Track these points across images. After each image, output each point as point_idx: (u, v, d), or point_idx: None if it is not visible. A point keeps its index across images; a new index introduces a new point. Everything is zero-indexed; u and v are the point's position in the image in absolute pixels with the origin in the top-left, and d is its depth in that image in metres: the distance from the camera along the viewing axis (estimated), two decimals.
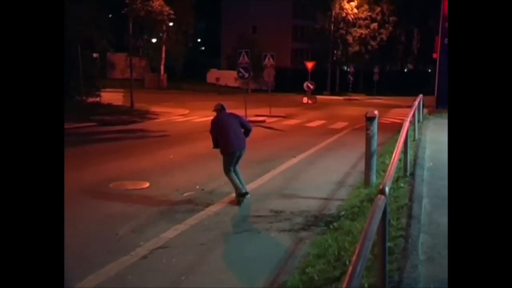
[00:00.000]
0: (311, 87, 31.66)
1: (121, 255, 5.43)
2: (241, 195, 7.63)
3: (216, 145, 7.89)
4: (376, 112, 8.04)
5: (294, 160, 11.32)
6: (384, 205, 3.14)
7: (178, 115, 22.61)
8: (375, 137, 7.92)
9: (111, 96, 25.69)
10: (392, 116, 22.81)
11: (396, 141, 7.74)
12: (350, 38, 47.61)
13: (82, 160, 10.96)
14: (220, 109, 7.98)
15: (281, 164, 10.78)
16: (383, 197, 3.21)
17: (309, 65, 31.95)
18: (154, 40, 44.24)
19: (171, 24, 42.37)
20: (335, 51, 48.41)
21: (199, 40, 70.56)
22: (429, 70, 51.03)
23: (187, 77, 49.55)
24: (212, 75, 49.96)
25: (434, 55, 22.86)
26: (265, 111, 22.86)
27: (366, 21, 47.90)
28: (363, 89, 47.13)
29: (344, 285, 2.13)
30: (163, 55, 44.99)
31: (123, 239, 6.02)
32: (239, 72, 20.93)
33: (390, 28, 48.74)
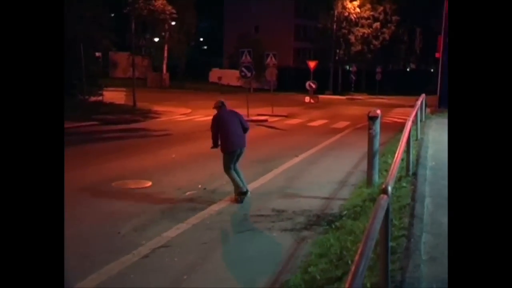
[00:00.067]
0: (313, 86, 31.60)
1: (123, 254, 5.43)
2: (241, 194, 7.63)
3: (215, 145, 7.87)
4: (378, 111, 8.02)
5: (296, 160, 11.32)
6: (386, 204, 3.13)
7: (180, 114, 22.62)
8: (378, 136, 7.90)
9: (113, 95, 25.70)
10: (394, 116, 22.78)
11: (398, 140, 7.73)
12: (352, 38, 47.57)
13: (84, 159, 10.98)
14: (220, 106, 7.96)
15: (283, 163, 10.77)
16: (385, 196, 3.19)
17: (311, 64, 31.89)
18: (156, 39, 44.25)
19: (173, 23, 42.37)
20: (338, 51, 48.36)
21: (201, 39, 70.58)
22: (432, 70, 50.99)
23: (189, 76, 49.56)
24: (214, 74, 49.98)
25: (437, 55, 22.84)
26: (267, 110, 22.85)
27: (369, 21, 47.87)
28: (365, 88, 47.10)
29: (347, 284, 2.13)
30: (165, 54, 45.00)
31: (125, 238, 6.02)
32: (241, 71, 20.92)
33: (393, 28, 48.69)
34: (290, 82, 41.48)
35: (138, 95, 24.60)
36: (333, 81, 46.62)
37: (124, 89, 28.92)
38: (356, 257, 2.37)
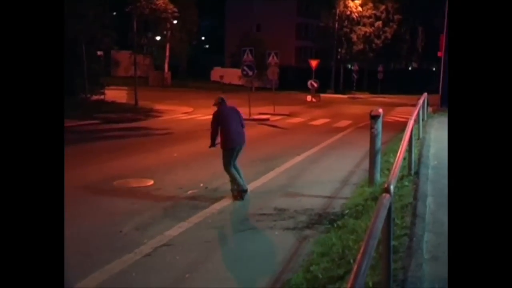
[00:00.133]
0: (315, 85, 31.63)
1: (125, 252, 5.44)
2: (242, 191, 7.64)
3: (213, 143, 7.87)
4: (380, 110, 8.01)
5: (298, 158, 11.31)
6: (389, 203, 3.13)
7: (182, 113, 22.62)
8: (379, 135, 7.89)
9: (115, 94, 25.73)
10: (396, 115, 22.75)
11: (400, 139, 7.71)
12: (354, 36, 47.53)
13: (86, 157, 10.99)
14: (220, 102, 7.96)
15: (285, 162, 10.76)
16: (388, 195, 3.19)
17: (313, 63, 31.92)
18: (158, 38, 44.28)
19: (175, 22, 42.40)
20: (339, 49, 48.31)
21: (203, 38, 70.60)
22: (434, 69, 50.92)
23: (191, 75, 49.57)
24: (216, 73, 49.96)
25: (439, 54, 22.78)
26: (269, 109, 22.85)
27: (371, 19, 47.82)
28: (367, 87, 47.04)
29: (349, 283, 2.13)
30: (167, 53, 45.01)
31: (127, 237, 6.02)
32: (243, 70, 20.92)
33: (395, 26, 48.64)
34: (292, 81, 41.47)
35: (140, 94, 24.60)
36: (335, 80, 46.57)
37: (126, 88, 28.94)
38: (359, 256, 2.36)
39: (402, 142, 6.21)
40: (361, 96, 41.62)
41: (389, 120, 19.62)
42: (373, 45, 47.92)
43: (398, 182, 6.91)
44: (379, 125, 7.84)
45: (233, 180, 7.72)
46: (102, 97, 23.78)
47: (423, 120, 13.73)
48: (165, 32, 43.56)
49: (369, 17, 47.83)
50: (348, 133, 16.66)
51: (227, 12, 60.70)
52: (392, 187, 3.42)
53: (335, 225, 6.04)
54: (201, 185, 8.53)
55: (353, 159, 11.11)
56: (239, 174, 7.75)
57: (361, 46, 47.60)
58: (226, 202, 7.56)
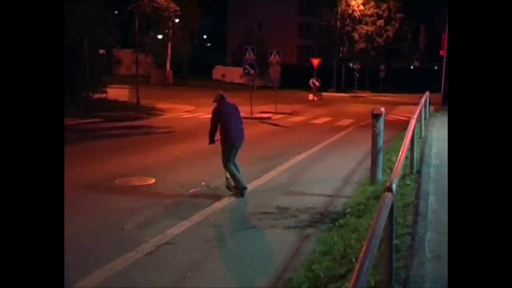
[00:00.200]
0: (317, 84, 31.60)
1: (127, 251, 5.44)
2: (242, 188, 7.65)
3: (211, 140, 7.88)
4: (382, 109, 8.00)
5: (299, 157, 11.30)
6: (391, 202, 3.12)
7: (184, 112, 22.62)
8: (381, 134, 7.88)
9: (117, 92, 25.73)
10: (398, 114, 22.72)
11: (402, 138, 7.70)
12: (356, 35, 47.42)
13: (88, 156, 11.00)
14: (220, 98, 7.95)
15: (287, 161, 10.76)
16: (390, 194, 3.18)
17: (315, 62, 31.88)
18: (160, 37, 44.25)
19: (177, 20, 42.36)
20: (341, 48, 48.22)
21: (205, 36, 70.55)
22: (436, 67, 50.80)
23: (192, 74, 49.52)
24: (218, 71, 49.96)
25: (441, 52, 22.72)
26: (270, 108, 22.83)
27: (373, 18, 47.70)
28: (369, 86, 46.96)
29: (352, 282, 2.12)
30: (169, 52, 44.97)
31: (129, 235, 6.03)
32: (245, 68, 20.91)
33: (397, 25, 48.51)
34: (293, 79, 41.36)
35: (142, 93, 24.61)
36: (337, 78, 46.46)
37: (128, 86, 28.93)
38: (361, 255, 2.36)
39: (404, 140, 6.20)
40: (363, 94, 41.54)
41: (391, 119, 19.59)
42: (375, 43, 47.81)
43: (400, 180, 6.90)
44: (381, 124, 7.83)
45: (233, 177, 7.73)
46: (104, 95, 23.77)
47: (425, 119, 13.72)
48: (167, 31, 43.52)
49: (371, 15, 47.71)
50: (350, 132, 16.64)
51: (229, 10, 60.64)
52: (394, 186, 3.41)
53: (337, 224, 6.03)
54: (203, 183, 8.53)
55: (354, 157, 11.09)
56: (238, 172, 7.75)
57: (363, 45, 47.49)
58: (228, 201, 7.56)
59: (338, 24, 46.35)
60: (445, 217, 5.39)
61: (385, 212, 2.95)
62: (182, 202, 7.45)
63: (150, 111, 21.76)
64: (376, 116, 7.81)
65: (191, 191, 8.11)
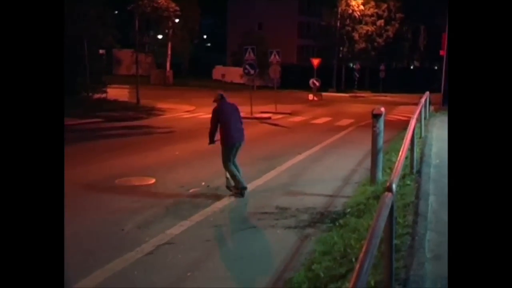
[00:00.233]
0: (317, 84, 31.61)
1: (127, 251, 5.44)
2: (242, 188, 7.66)
3: (211, 140, 7.89)
4: (382, 109, 8.00)
5: (299, 157, 11.30)
6: (391, 202, 3.12)
7: (184, 112, 22.62)
8: (381, 134, 7.88)
9: (117, 92, 25.73)
10: (398, 114, 22.72)
11: (402, 138, 7.70)
12: (356, 35, 47.42)
13: (88, 156, 11.00)
14: (220, 99, 7.96)
15: (287, 161, 10.76)
16: (390, 194, 3.18)
17: (315, 62, 31.88)
18: (160, 37, 44.26)
19: (177, 20, 42.37)
20: (341, 48, 48.21)
21: (205, 36, 70.58)
22: (436, 68, 50.79)
23: (192, 74, 49.52)
24: (218, 71, 49.95)
25: (441, 52, 22.72)
26: (270, 108, 22.83)
27: (373, 18, 47.69)
28: (369, 86, 46.94)
29: (352, 282, 2.12)
30: (169, 52, 44.98)
31: (129, 235, 6.03)
32: (245, 68, 20.91)
33: (397, 25, 48.50)
34: (293, 79, 41.34)
35: (142, 92, 24.61)
36: (337, 78, 46.45)
37: (128, 86, 28.94)
38: (361, 255, 2.36)
39: (404, 140, 6.20)
40: (363, 94, 41.53)
41: (391, 119, 19.58)
42: (375, 43, 47.80)
43: (400, 180, 6.90)
44: (381, 124, 7.83)
45: (233, 177, 7.73)
46: (104, 95, 23.77)
47: (425, 119, 13.72)
48: (167, 31, 43.53)
49: (371, 15, 47.70)
50: (350, 132, 16.64)
51: (229, 10, 60.62)
52: (394, 186, 3.41)
53: (337, 224, 6.03)
54: (203, 183, 8.53)
55: (354, 157, 11.09)
56: (238, 172, 7.75)
57: (363, 45, 47.48)
58: (228, 201, 7.56)
59: (338, 24, 46.34)
60: (445, 217, 5.39)
61: (385, 212, 2.96)
62: (182, 202, 7.45)
63: (150, 111, 21.76)
64: (376, 116, 7.81)
65: (191, 191, 8.11)
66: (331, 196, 7.85)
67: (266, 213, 6.89)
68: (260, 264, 5.24)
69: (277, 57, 23.35)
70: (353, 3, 46.56)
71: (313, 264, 4.74)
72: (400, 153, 5.16)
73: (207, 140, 7.95)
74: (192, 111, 22.76)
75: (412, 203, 6.06)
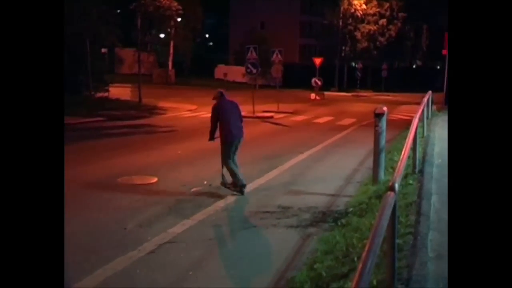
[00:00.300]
0: (319, 83, 31.60)
1: (129, 249, 5.44)
2: (242, 186, 7.67)
3: (211, 137, 7.94)
4: (385, 108, 7.99)
5: (301, 156, 11.29)
6: (393, 201, 3.11)
7: (186, 111, 22.62)
8: (384, 133, 7.87)
9: (119, 91, 25.72)
10: (400, 113, 22.69)
11: (404, 138, 7.69)
12: (358, 34, 47.39)
13: (90, 154, 11.00)
14: (220, 96, 8.01)
15: (289, 160, 10.75)
16: (392, 193, 3.17)
17: (317, 61, 31.86)
18: (162, 36, 44.23)
19: (179, 19, 42.33)
20: (343, 47, 48.20)
21: (207, 35, 70.57)
22: (438, 67, 50.70)
23: (195, 73, 49.54)
24: (220, 70, 49.88)
25: (444, 52, 22.67)
26: (272, 107, 22.82)
27: (375, 17, 47.66)
28: (371, 85, 46.91)
29: (355, 281, 2.11)
30: (171, 51, 44.98)
31: (130, 234, 6.02)
32: (247, 67, 20.91)
33: (399, 24, 48.45)
34: (295, 78, 41.32)
35: (144, 91, 24.61)
36: (339, 78, 46.46)
37: (130, 85, 28.89)
38: (364, 254, 2.35)
39: (406, 140, 6.19)
40: (365, 94, 41.49)
41: (393, 118, 19.54)
42: (377, 43, 47.76)
43: (403, 180, 6.89)
44: (383, 123, 7.82)
45: (233, 175, 7.75)
46: (106, 94, 23.78)
47: (427, 118, 13.70)
48: (169, 30, 43.49)
49: (374, 14, 47.66)
50: (352, 131, 16.62)
51: (231, 9, 60.61)
52: (397, 185, 3.40)
53: (339, 223, 6.03)
54: (205, 182, 8.53)
55: (357, 157, 11.08)
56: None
57: (365, 44, 47.45)
58: (230, 200, 7.56)
59: (340, 23, 46.33)
60: (447, 216, 5.39)
61: (388, 212, 2.94)
62: (184, 201, 7.45)
63: (152, 110, 21.76)
64: (378, 115, 7.80)
65: (193, 190, 8.11)
66: (333, 195, 7.85)
67: (268, 212, 6.88)
68: (262, 263, 5.23)
69: (279, 56, 23.34)
70: (356, 2, 46.55)
71: (315, 263, 4.73)
72: (403, 152, 5.15)
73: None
74: (194, 110, 22.75)
75: (415, 202, 6.05)
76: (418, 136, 8.65)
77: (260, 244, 5.85)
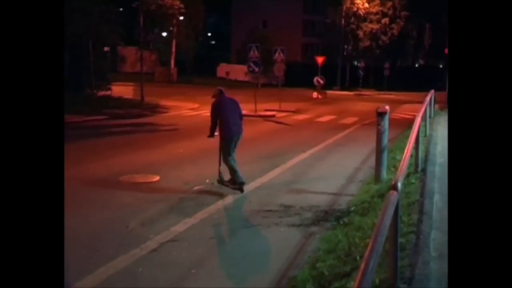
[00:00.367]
0: (321, 82, 31.57)
1: (131, 248, 5.44)
2: (242, 183, 7.70)
3: (212, 134, 8.00)
4: (387, 107, 7.98)
5: (303, 155, 11.29)
6: (396, 200, 3.11)
7: (188, 109, 22.62)
8: (386, 132, 7.86)
9: (122, 90, 25.74)
10: (402, 112, 22.66)
11: (406, 137, 7.68)
12: (361, 33, 47.37)
13: (92, 153, 11.01)
14: (219, 94, 8.07)
15: (291, 159, 10.75)
16: (395, 192, 3.17)
17: (319, 60, 31.86)
18: (164, 34, 44.22)
19: (181, 18, 42.30)
20: (346, 46, 48.16)
21: (209, 34, 70.54)
22: (441, 66, 50.64)
23: (197, 71, 49.51)
24: (222, 69, 49.89)
25: (446, 51, 22.64)
26: (275, 105, 22.81)
27: (377, 16, 47.63)
28: (373, 84, 46.90)
29: (357, 280, 2.11)
30: (173, 49, 44.95)
31: (133, 232, 6.03)
32: (249, 66, 20.90)
33: (402, 23, 48.40)
34: (298, 77, 41.31)
35: (146, 90, 24.62)
36: (341, 76, 46.42)
37: (132, 83, 28.94)
38: (366, 253, 2.35)
39: (409, 139, 6.18)
40: (367, 93, 41.47)
41: (396, 117, 19.53)
42: (380, 41, 47.74)
43: (405, 179, 6.87)
44: (385, 122, 7.81)
45: (232, 172, 7.77)
46: (108, 92, 23.77)
47: (430, 117, 13.67)
48: (171, 28, 43.45)
49: (376, 13, 47.62)
50: (354, 130, 16.61)
51: (233, 8, 60.61)
52: (399, 184, 3.39)
53: (341, 222, 6.02)
54: (207, 181, 8.52)
55: (359, 156, 11.07)
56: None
57: (367, 43, 47.42)
58: (232, 198, 7.56)
59: (343, 22, 46.27)
60: None
61: (390, 211, 2.94)
62: (186, 200, 7.45)
63: (155, 109, 21.76)
64: (380, 114, 7.79)
65: (195, 188, 8.11)
66: (335, 194, 7.84)
67: (270, 211, 6.88)
68: (264, 262, 5.23)
69: (281, 55, 23.32)
70: (358, 1, 46.53)
71: (318, 262, 4.73)
72: (405, 151, 5.14)
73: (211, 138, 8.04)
74: (196, 109, 22.74)
75: (417, 201, 6.04)
76: (420, 135, 8.64)
77: (262, 242, 5.85)
